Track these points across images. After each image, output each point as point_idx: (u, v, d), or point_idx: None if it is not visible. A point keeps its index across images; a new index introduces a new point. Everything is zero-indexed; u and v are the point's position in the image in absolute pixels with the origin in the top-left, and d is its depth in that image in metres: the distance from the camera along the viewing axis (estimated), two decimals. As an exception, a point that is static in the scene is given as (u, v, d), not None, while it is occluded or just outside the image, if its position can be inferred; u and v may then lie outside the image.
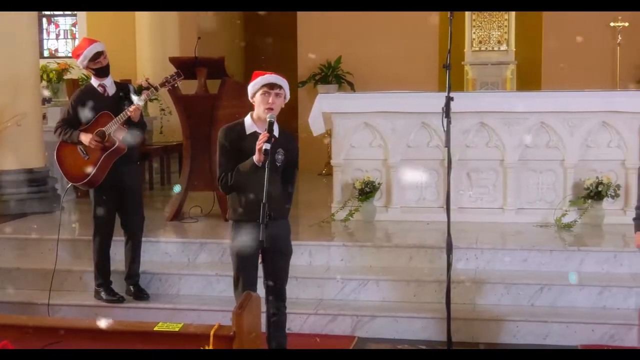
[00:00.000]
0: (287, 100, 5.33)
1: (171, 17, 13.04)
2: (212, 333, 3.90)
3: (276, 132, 5.17)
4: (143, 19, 13.17)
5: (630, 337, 6.07)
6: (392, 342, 6.44)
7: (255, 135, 5.20)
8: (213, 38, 12.99)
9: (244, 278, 5.33)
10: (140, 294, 7.04)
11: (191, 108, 8.48)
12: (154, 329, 4.01)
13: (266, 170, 4.86)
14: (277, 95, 5.21)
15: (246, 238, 5.22)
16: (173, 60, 8.58)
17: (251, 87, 5.26)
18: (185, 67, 8.05)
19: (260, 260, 5.24)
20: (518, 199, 8.29)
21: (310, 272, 7.12)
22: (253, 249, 5.13)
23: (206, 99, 8.48)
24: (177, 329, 4.00)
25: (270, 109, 5.16)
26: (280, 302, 5.41)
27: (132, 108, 6.57)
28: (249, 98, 5.30)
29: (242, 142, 5.23)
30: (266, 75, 5.25)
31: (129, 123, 6.68)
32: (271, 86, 5.20)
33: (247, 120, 5.33)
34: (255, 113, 5.28)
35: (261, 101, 5.20)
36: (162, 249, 7.62)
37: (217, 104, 8.32)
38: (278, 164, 5.22)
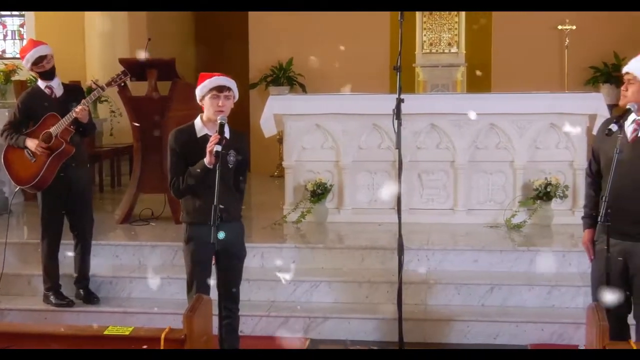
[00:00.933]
0: (236, 100, 5.31)
1: (121, 18, 12.91)
2: (163, 336, 3.89)
3: (227, 134, 5.15)
4: (92, 20, 13.02)
5: (579, 335, 6.14)
6: (344, 343, 6.45)
7: (206, 137, 5.17)
8: (163, 39, 12.89)
9: (197, 280, 5.31)
10: (90, 298, 6.97)
11: (141, 110, 8.42)
12: (104, 332, 3.98)
13: (217, 172, 4.84)
14: (226, 97, 5.18)
15: (199, 240, 5.20)
16: (123, 62, 8.50)
17: (199, 90, 5.22)
18: (136, 68, 7.99)
19: (214, 262, 5.23)
20: (468, 200, 8.36)
21: (262, 274, 7.11)
22: (206, 251, 5.11)
23: (157, 101, 8.42)
24: (127, 333, 3.97)
25: (221, 112, 5.13)
26: (233, 304, 5.40)
27: (78, 109, 6.49)
28: (198, 101, 5.26)
29: (193, 145, 5.20)
30: (214, 78, 5.20)
31: (77, 124, 6.61)
32: (220, 89, 5.17)
33: (197, 122, 5.30)
34: (205, 115, 5.25)
35: (211, 104, 5.16)
36: (112, 252, 7.55)
37: (168, 106, 8.28)
38: (230, 165, 5.20)
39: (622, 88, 4.83)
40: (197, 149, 5.14)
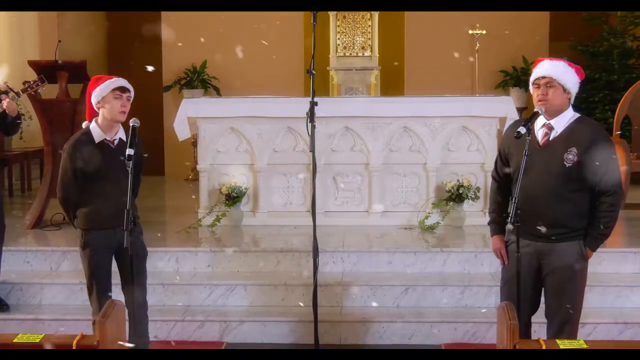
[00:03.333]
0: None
1: (30, 19, 12.65)
2: (74, 343, 3.82)
3: (123, 137, 5.14)
4: (0, 20, 12.72)
5: (491, 334, 6.26)
6: (261, 346, 6.44)
7: (104, 143, 5.12)
8: (74, 41, 12.67)
9: (97, 285, 5.25)
10: (-1, 305, 6.82)
11: (52, 113, 8.30)
12: (14, 341, 3.90)
13: (130, 177, 4.81)
14: (128, 99, 5.14)
15: (96, 246, 5.16)
16: (33, 64, 8.36)
17: (100, 91, 5.12)
18: (46, 70, 7.84)
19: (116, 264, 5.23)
20: (383, 202, 8.44)
21: (176, 278, 7.05)
22: (104, 255, 5.09)
23: (68, 104, 8.30)
24: (38, 340, 3.89)
25: (124, 112, 5.10)
26: (141, 305, 5.34)
27: (5, 103, 6.34)
28: (95, 104, 5.16)
29: (92, 153, 5.11)
30: (115, 79, 5.16)
31: (3, 119, 6.46)
32: (123, 89, 5.13)
33: (94, 128, 5.19)
34: (105, 117, 5.15)
35: (114, 104, 5.09)
36: (22, 258, 7.38)
37: (79, 109, 8.16)
38: (127, 168, 5.18)
39: (541, 92, 4.81)
40: (96, 157, 5.06)
